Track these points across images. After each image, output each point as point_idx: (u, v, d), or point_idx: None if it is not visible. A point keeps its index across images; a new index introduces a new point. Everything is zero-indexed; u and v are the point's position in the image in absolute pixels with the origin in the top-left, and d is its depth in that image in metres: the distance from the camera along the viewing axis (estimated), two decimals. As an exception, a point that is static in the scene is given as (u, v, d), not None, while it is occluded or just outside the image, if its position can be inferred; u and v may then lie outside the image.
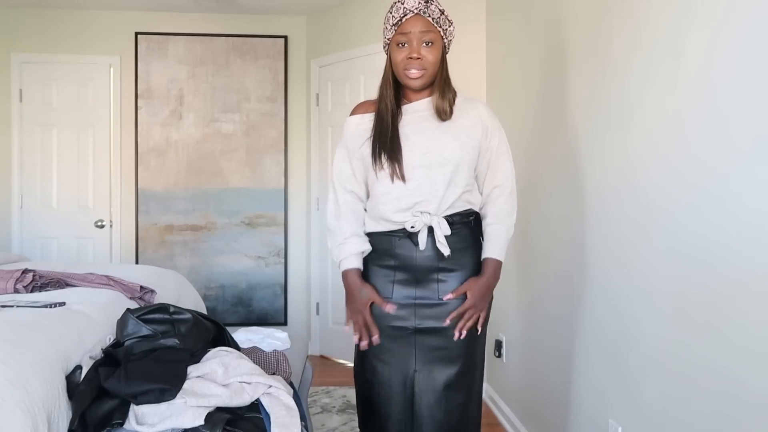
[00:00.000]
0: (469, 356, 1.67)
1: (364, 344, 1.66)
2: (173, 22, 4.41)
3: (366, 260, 1.72)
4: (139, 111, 4.37)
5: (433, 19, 1.60)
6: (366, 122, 1.69)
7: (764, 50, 1.18)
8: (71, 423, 1.38)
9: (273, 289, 4.48)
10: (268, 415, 1.48)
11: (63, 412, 1.39)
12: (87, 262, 4.21)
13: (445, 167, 1.62)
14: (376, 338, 1.65)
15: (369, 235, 1.72)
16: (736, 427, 1.26)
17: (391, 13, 1.63)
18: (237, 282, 4.45)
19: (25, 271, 2.12)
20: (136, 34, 4.37)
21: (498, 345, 3.07)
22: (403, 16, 1.59)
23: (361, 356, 1.73)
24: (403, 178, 1.61)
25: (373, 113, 1.70)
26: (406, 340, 1.65)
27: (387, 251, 1.68)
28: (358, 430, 2.57)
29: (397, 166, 1.61)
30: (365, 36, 3.97)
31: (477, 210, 1.73)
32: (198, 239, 4.42)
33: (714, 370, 1.34)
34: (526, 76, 2.69)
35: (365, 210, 1.74)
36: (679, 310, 1.47)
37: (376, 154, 1.63)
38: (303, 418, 1.58)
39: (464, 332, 1.63)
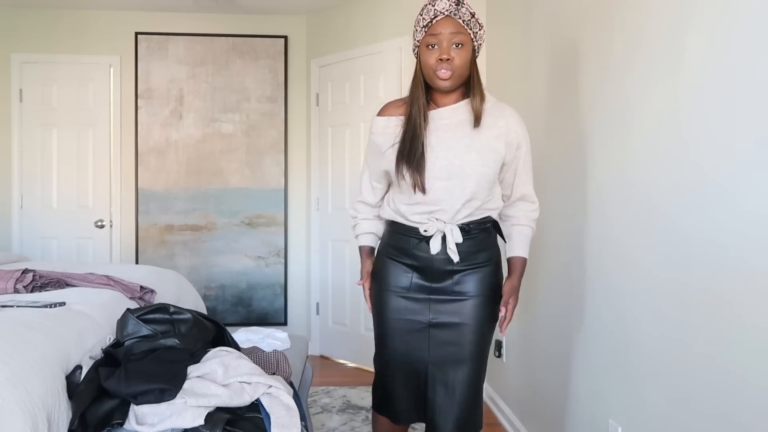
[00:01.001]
0: (480, 353, 1.74)
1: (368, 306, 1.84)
2: (173, 22, 4.41)
3: (387, 256, 1.79)
4: (139, 111, 4.37)
5: (463, 21, 1.61)
6: (392, 125, 1.71)
7: (765, 49, 1.17)
8: (71, 423, 1.38)
9: (273, 289, 4.48)
10: (268, 415, 1.48)
11: (63, 412, 1.39)
12: (87, 262, 4.21)
13: (465, 182, 1.64)
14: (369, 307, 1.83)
15: (389, 230, 1.81)
16: (736, 427, 1.26)
17: (421, 15, 1.64)
18: (237, 282, 4.45)
19: (25, 271, 2.12)
20: (136, 34, 4.37)
21: (498, 345, 3.07)
22: (434, 18, 1.60)
23: (380, 343, 1.81)
24: (423, 190, 1.64)
25: (400, 116, 1.70)
26: (420, 333, 1.73)
27: (406, 251, 1.74)
28: (358, 430, 2.60)
29: (418, 178, 1.64)
30: (365, 36, 3.97)
31: (495, 217, 1.77)
32: (198, 239, 4.42)
33: (715, 370, 1.34)
34: (526, 76, 2.69)
35: (384, 201, 1.84)
36: (680, 310, 1.47)
37: (399, 165, 1.66)
38: (303, 418, 1.58)
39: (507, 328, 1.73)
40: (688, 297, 1.43)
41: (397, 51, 3.75)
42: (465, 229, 1.68)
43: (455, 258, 1.67)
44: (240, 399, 1.48)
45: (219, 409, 1.46)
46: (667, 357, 1.53)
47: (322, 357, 4.27)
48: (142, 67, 4.38)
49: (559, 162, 2.27)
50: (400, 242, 1.75)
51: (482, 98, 1.66)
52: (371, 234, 1.87)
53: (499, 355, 3.06)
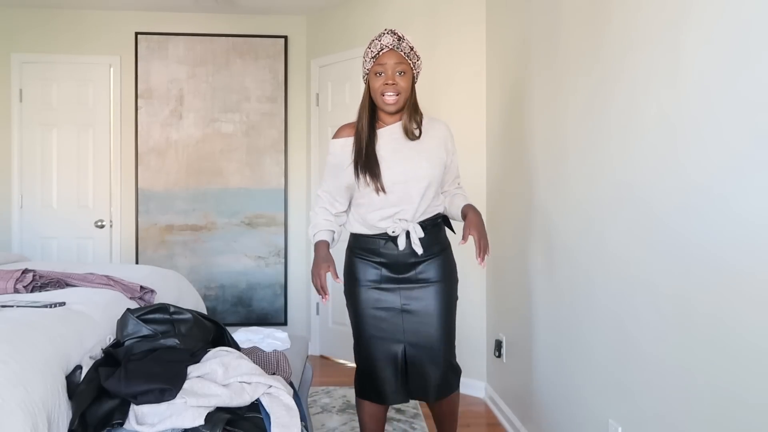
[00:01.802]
0: (448, 329, 2.04)
1: (322, 300, 2.01)
2: (173, 22, 4.41)
3: (356, 257, 2.08)
4: (139, 111, 4.37)
5: (404, 53, 1.96)
6: (349, 145, 2.03)
7: (760, 52, 1.18)
8: (71, 423, 1.38)
9: (273, 289, 4.48)
10: (268, 415, 1.48)
11: (63, 412, 1.39)
12: (87, 262, 4.21)
13: (420, 183, 1.98)
14: (327, 299, 1.94)
15: (358, 236, 2.08)
16: (735, 427, 1.26)
17: (369, 48, 1.98)
18: (237, 282, 4.45)
19: (25, 271, 2.12)
20: (136, 34, 4.37)
21: (498, 345, 3.07)
22: (380, 50, 1.95)
23: (358, 334, 2.07)
24: (384, 191, 1.96)
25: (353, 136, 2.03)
26: (395, 318, 2.02)
27: (375, 251, 2.04)
28: (357, 430, 2.63)
29: (378, 182, 1.96)
30: (365, 36, 3.97)
31: (442, 211, 2.11)
32: (198, 239, 4.42)
33: (714, 370, 1.34)
34: (525, 74, 2.69)
35: (347, 215, 2.12)
36: (679, 310, 1.47)
37: (358, 174, 1.98)
38: (303, 418, 1.58)
39: (485, 261, 1.93)
40: (687, 297, 1.43)
41: (397, 51, 3.75)
42: (422, 225, 2.01)
43: (419, 251, 1.98)
44: (240, 399, 1.48)
45: (219, 409, 1.46)
46: (667, 357, 1.53)
47: (322, 357, 4.27)
48: (142, 67, 4.38)
49: (556, 164, 2.27)
50: (368, 245, 2.05)
51: (411, 117, 1.99)
52: (329, 231, 2.08)
53: (499, 355, 3.06)
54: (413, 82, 2.01)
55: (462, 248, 2.20)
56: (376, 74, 1.96)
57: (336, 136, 2.07)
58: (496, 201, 3.15)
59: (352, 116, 4.01)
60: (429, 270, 2.02)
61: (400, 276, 2.02)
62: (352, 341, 2.11)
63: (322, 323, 4.31)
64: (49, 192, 4.36)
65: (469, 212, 2.02)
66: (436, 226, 2.07)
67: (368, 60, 1.99)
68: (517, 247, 2.78)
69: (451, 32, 3.49)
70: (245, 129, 4.44)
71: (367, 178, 1.96)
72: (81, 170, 4.37)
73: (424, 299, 2.01)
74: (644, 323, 1.64)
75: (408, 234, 1.99)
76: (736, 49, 1.26)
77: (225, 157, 4.43)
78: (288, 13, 4.42)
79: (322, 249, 2.01)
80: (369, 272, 2.04)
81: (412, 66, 1.98)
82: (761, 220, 1.18)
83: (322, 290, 1.94)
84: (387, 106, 1.97)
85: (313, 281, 1.96)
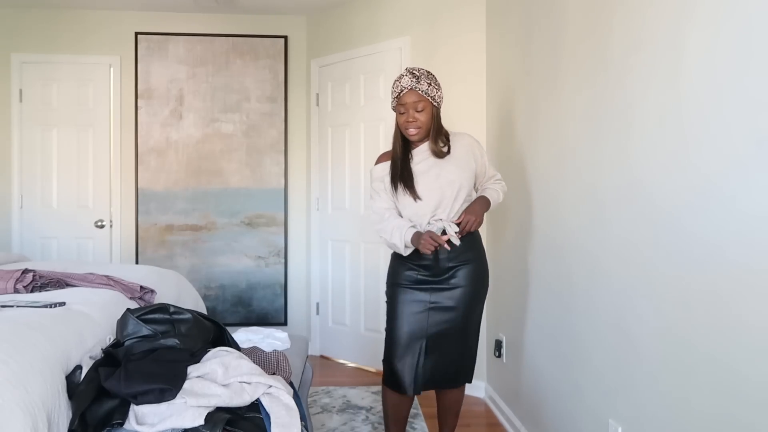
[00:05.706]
0: (468, 327, 2.28)
1: (444, 242, 2.09)
2: (173, 22, 4.41)
3: (398, 259, 2.31)
4: (139, 111, 4.37)
5: (422, 91, 2.16)
6: (388, 167, 2.29)
7: (765, 50, 1.18)
8: (71, 423, 1.38)
9: (273, 289, 4.48)
10: (268, 415, 1.48)
11: (63, 412, 1.38)
12: (87, 262, 4.20)
13: (452, 186, 2.20)
14: (445, 238, 2.10)
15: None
16: (736, 427, 1.26)
17: (393, 88, 2.22)
18: (237, 282, 4.45)
19: (25, 271, 2.12)
20: (136, 34, 4.37)
21: (498, 345, 3.07)
22: (401, 92, 2.19)
23: (390, 327, 2.29)
24: (420, 198, 2.20)
25: (389, 161, 2.29)
26: (422, 314, 2.24)
27: (413, 257, 2.25)
28: (358, 430, 2.64)
29: (413, 191, 2.20)
30: (365, 36, 3.97)
31: None
32: (198, 239, 4.42)
33: (714, 369, 1.34)
34: (525, 77, 2.69)
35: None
36: (680, 310, 1.47)
37: (396, 186, 2.24)
38: (303, 418, 1.58)
39: (466, 229, 2.18)
40: (688, 297, 1.43)
41: (397, 51, 3.75)
42: (456, 224, 2.19)
43: (456, 242, 2.15)
44: (240, 399, 1.48)
45: (219, 409, 1.46)
46: (668, 357, 1.53)
47: (322, 357, 4.27)
48: (142, 67, 4.38)
49: (559, 163, 2.27)
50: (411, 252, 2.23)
51: (436, 140, 2.23)
52: (412, 227, 2.19)
53: (499, 355, 3.06)
54: (435, 111, 2.22)
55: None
56: (399, 112, 2.22)
57: (377, 162, 2.35)
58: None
59: (352, 116, 4.07)
60: (460, 276, 2.23)
61: (434, 278, 2.23)
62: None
63: (322, 323, 4.31)
64: (49, 192, 4.36)
65: (473, 202, 2.26)
66: (470, 233, 2.24)
67: (392, 99, 2.23)
68: (517, 246, 2.78)
69: (452, 33, 3.48)
70: (245, 129, 4.44)
71: (404, 189, 2.21)
72: (81, 170, 4.37)
73: (451, 300, 2.22)
74: (644, 323, 1.64)
75: (444, 231, 2.17)
76: (741, 45, 1.26)
77: (225, 157, 4.43)
78: (288, 13, 4.42)
79: (418, 233, 2.16)
80: (407, 274, 2.26)
81: (431, 100, 2.18)
82: (764, 218, 1.18)
83: (440, 239, 2.08)
84: (411, 137, 2.23)
85: (426, 241, 2.08)
